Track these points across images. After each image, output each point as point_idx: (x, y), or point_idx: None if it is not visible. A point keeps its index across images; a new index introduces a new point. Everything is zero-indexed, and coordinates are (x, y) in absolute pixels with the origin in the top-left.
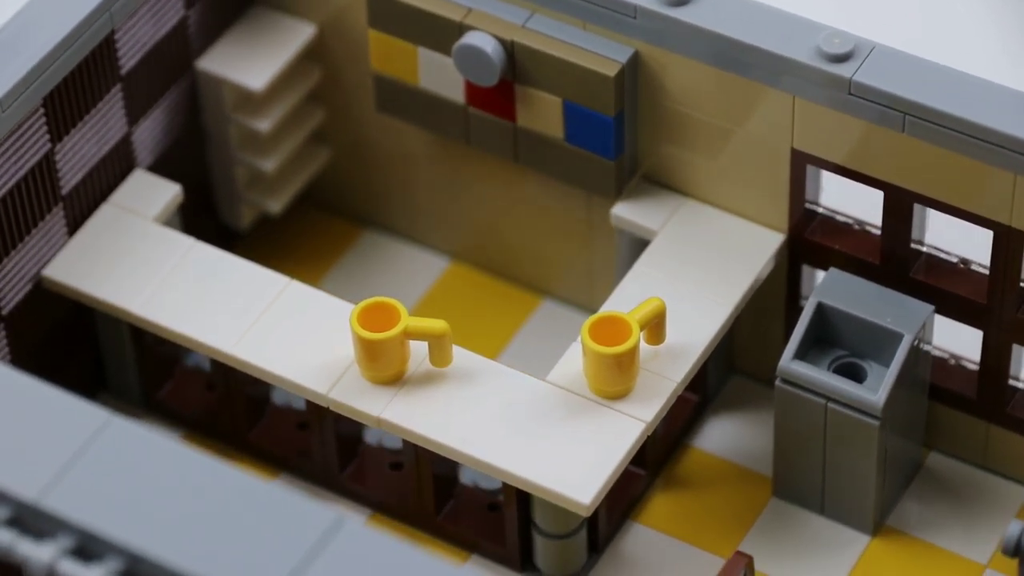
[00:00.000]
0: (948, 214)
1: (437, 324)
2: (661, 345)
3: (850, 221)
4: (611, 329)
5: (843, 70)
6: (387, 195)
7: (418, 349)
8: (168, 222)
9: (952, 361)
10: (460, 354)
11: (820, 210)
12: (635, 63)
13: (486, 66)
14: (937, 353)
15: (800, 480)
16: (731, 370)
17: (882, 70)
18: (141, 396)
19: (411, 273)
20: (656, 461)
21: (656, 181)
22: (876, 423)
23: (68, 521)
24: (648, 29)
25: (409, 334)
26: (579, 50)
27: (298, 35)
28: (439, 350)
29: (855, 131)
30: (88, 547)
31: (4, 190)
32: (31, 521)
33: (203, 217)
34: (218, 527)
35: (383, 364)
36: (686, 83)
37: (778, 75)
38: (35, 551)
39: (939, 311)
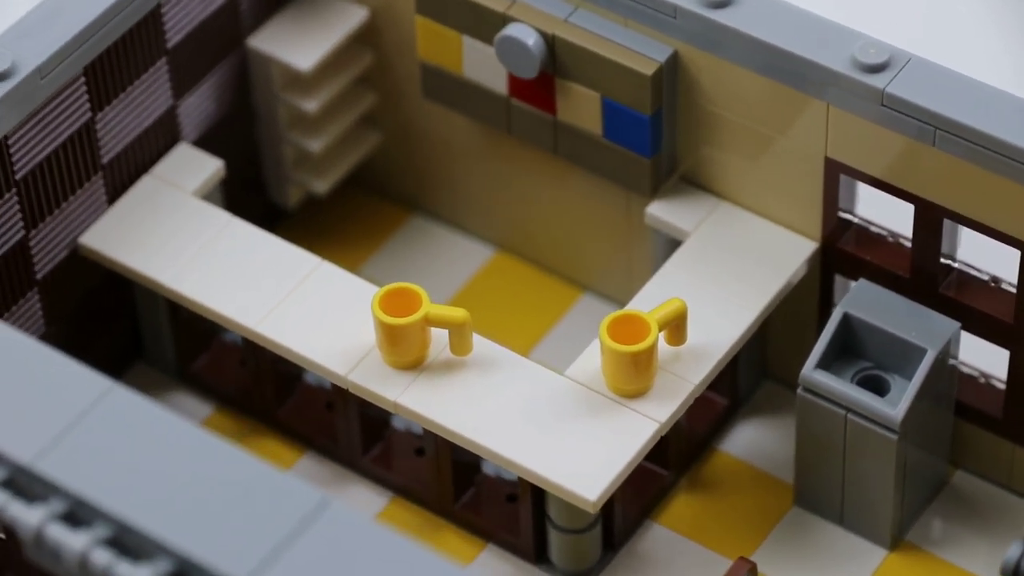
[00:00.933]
0: (976, 231)
1: (458, 312)
2: (683, 346)
3: (884, 233)
4: (630, 327)
5: (877, 81)
6: (434, 182)
7: (440, 336)
8: (208, 197)
9: (982, 379)
10: (481, 344)
11: (855, 220)
12: (674, 63)
13: (526, 58)
14: (966, 370)
15: (820, 490)
16: (764, 375)
17: (916, 83)
18: (176, 368)
19: (454, 260)
20: (680, 462)
21: (694, 182)
22: (894, 437)
23: (60, 486)
24: (687, 30)
25: (429, 321)
26: (619, 47)
27: (350, 18)
28: (459, 338)
29: (887, 143)
30: (78, 513)
31: (42, 156)
32: (25, 484)
33: (251, 194)
34: (205, 501)
35: (403, 349)
36: (723, 85)
37: (813, 82)
38: (24, 513)
39: (967, 328)
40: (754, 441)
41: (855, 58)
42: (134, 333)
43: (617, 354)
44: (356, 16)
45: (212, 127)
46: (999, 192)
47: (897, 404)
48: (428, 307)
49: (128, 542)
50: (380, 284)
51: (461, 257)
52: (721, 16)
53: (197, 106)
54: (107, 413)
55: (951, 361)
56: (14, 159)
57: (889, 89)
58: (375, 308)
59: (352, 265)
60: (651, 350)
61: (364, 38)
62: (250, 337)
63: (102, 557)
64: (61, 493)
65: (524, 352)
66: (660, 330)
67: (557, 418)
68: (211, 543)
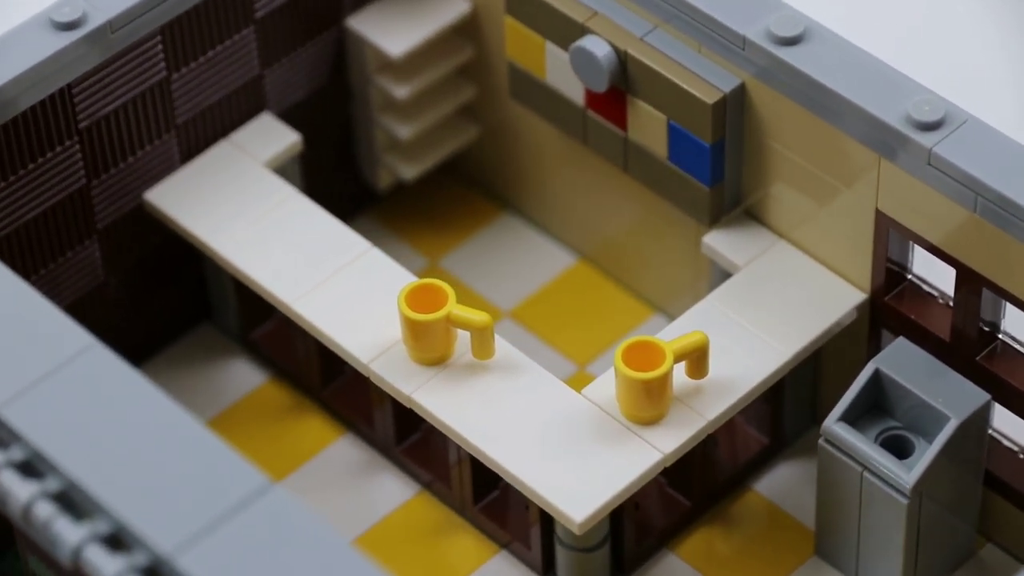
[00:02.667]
0: (1011, 303)
1: (479, 316)
2: (706, 380)
3: (935, 293)
4: (646, 354)
5: (926, 139)
6: (526, 182)
7: (468, 337)
8: (282, 169)
9: (1022, 455)
10: (505, 350)
11: (909, 276)
12: (741, 94)
13: (596, 71)
14: (1006, 443)
15: (838, 542)
16: (814, 420)
17: (966, 146)
18: (239, 333)
19: (535, 263)
20: (705, 495)
21: (756, 217)
22: (905, 501)
23: (21, 435)
24: (755, 63)
25: (452, 321)
26: (687, 72)
27: (451, 10)
28: (480, 342)
29: (932, 203)
30: (35, 463)
31: (108, 108)
32: None
33: (344, 172)
34: (154, 470)
35: (425, 345)
36: (785, 123)
37: (867, 132)
38: None
39: (1000, 401)
40: (789, 485)
41: (909, 114)
42: (204, 294)
43: (629, 380)
44: (457, 9)
45: (303, 101)
46: None
47: (913, 468)
48: (452, 307)
49: (75, 499)
50: (456, 277)
51: (542, 261)
52: (786, 53)
53: (287, 79)
54: (83, 369)
55: (981, 431)
56: (78, 108)
57: (936, 149)
58: (400, 302)
59: (434, 254)
60: (664, 379)
61: (465, 31)
62: (286, 312)
63: (44, 510)
64: (22, 442)
65: (580, 365)
66: (677, 361)
67: (564, 435)
68: (148, 512)
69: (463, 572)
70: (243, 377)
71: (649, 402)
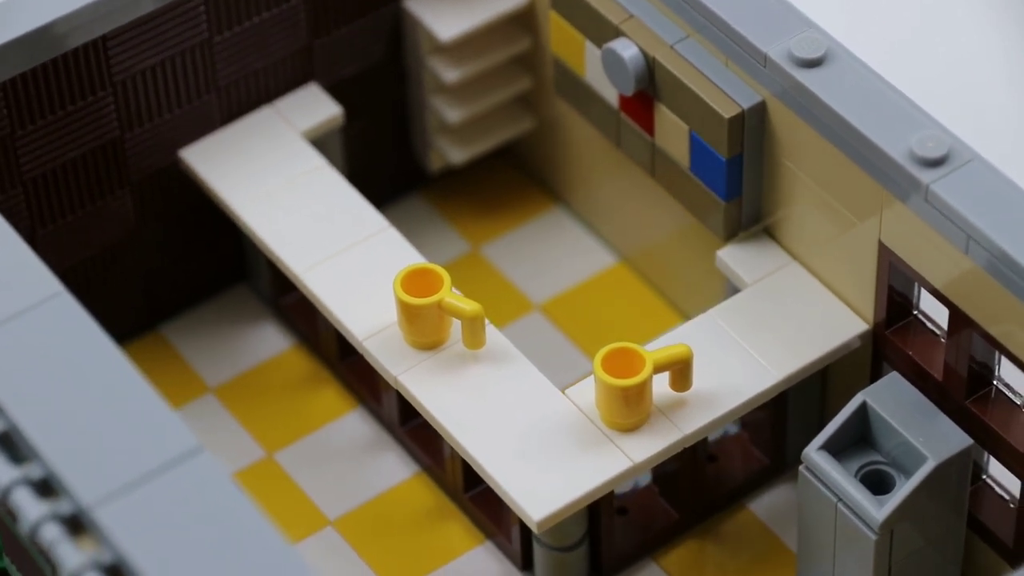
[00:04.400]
0: (996, 349)
1: (471, 306)
2: (690, 394)
3: (937, 331)
4: (626, 361)
5: (925, 175)
6: (575, 178)
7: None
8: (320, 140)
9: (1012, 504)
10: (498, 342)
11: (915, 311)
12: (762, 112)
13: (622, 73)
14: (999, 492)
15: (815, 569)
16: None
17: (966, 186)
18: (271, 298)
19: (574, 260)
20: (696, 509)
21: (774, 236)
22: (874, 536)
23: None
24: (775, 81)
25: (443, 308)
26: (710, 84)
27: (510, 0)
28: (471, 332)
29: (928, 240)
30: None
31: (145, 64)
32: None
33: (397, 151)
34: (92, 421)
35: (418, 329)
36: (802, 144)
37: (872, 163)
38: None
39: (986, 448)
40: (784, 508)
41: (912, 149)
42: (242, 256)
43: (607, 386)
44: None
45: (355, 76)
46: (1014, 316)
47: (884, 505)
48: (445, 293)
49: (15, 442)
50: (494, 264)
51: (582, 259)
52: (803, 75)
53: (338, 52)
54: (44, 316)
55: (962, 474)
56: (112, 60)
57: (934, 186)
58: (396, 284)
59: (477, 240)
60: (641, 387)
61: (523, 22)
62: (294, 281)
63: None
64: None
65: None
66: (658, 371)
67: (538, 433)
68: (78, 461)
69: (444, 558)
70: (269, 342)
71: (627, 409)
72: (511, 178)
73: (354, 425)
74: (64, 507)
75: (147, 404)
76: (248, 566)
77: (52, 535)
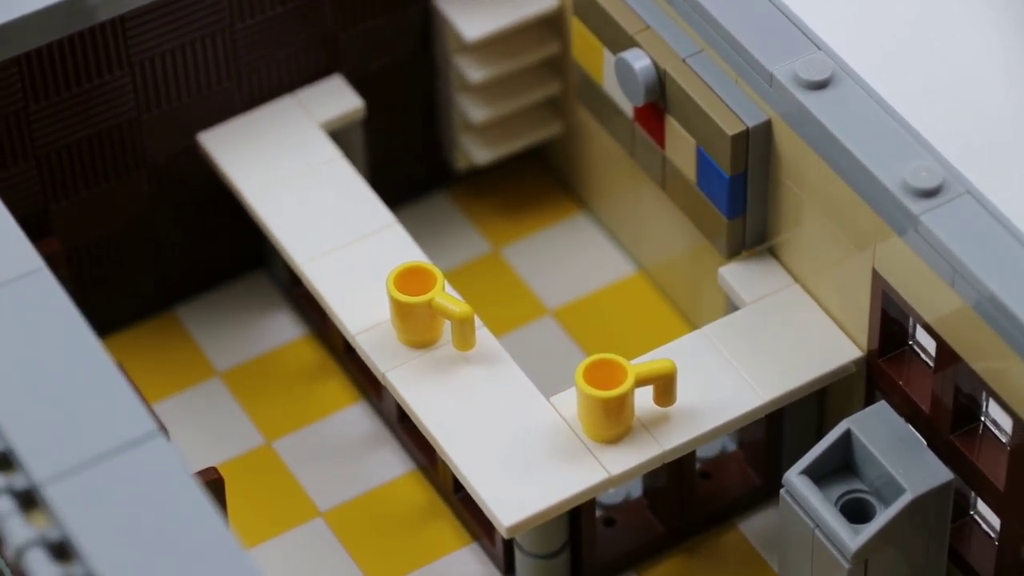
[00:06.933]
0: (979, 386)
1: (460, 307)
2: (673, 409)
3: (930, 363)
4: (609, 373)
5: (916, 206)
6: (598, 185)
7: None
8: (340, 132)
9: (997, 542)
10: (489, 345)
11: (910, 342)
12: (767, 131)
13: (632, 83)
14: (985, 528)
15: None
16: None
17: (956, 219)
18: (287, 285)
19: (592, 268)
20: (684, 525)
21: (778, 257)
22: (847, 565)
23: None
24: (781, 101)
25: (434, 308)
26: (717, 101)
27: (537, 3)
28: (460, 333)
29: (917, 271)
30: None
31: (164, 47)
32: None
33: (424, 148)
34: (53, 398)
35: (408, 327)
36: (802, 166)
37: (868, 190)
38: None
39: (968, 483)
40: (773, 530)
41: (905, 179)
42: (262, 243)
43: (587, 397)
44: (543, 3)
45: (382, 70)
46: (999, 357)
47: (859, 534)
48: (436, 293)
49: None
50: (513, 267)
51: (600, 266)
52: (807, 97)
53: (365, 45)
54: (21, 292)
55: (943, 509)
56: (131, 42)
57: (924, 218)
58: (389, 281)
59: (498, 241)
60: (622, 399)
61: (554, 26)
62: (295, 271)
63: None
64: None
65: None
66: (640, 384)
67: (519, 439)
68: (34, 438)
69: (429, 557)
70: (281, 330)
71: (607, 420)
72: (538, 181)
73: (355, 419)
74: (19, 481)
75: (110, 386)
76: (189, 555)
77: (3, 508)
